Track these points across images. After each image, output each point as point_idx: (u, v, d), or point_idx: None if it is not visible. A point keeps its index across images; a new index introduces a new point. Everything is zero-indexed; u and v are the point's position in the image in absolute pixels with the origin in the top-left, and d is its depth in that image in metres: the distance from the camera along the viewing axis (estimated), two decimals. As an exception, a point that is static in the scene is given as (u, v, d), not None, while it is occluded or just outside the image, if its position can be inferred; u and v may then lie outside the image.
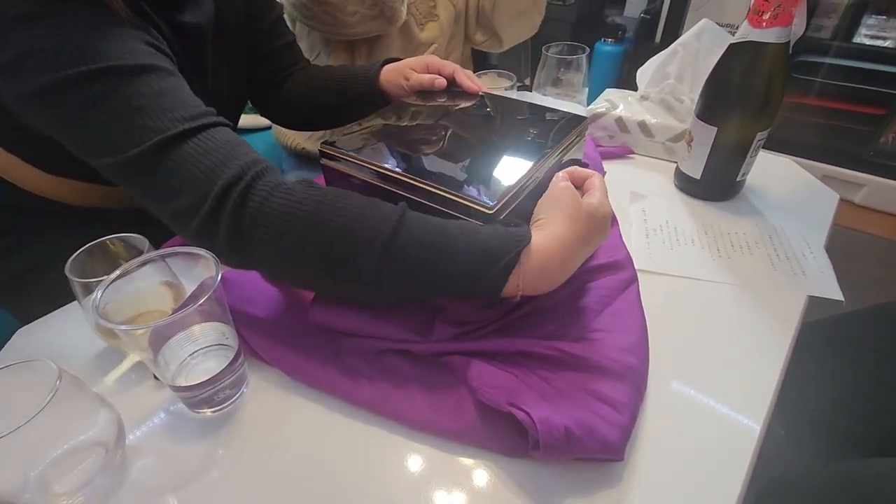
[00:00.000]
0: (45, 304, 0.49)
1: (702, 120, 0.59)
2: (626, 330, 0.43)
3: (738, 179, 0.62)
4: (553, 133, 0.48)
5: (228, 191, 0.36)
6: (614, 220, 0.57)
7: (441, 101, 0.57)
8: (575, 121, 0.50)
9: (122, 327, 0.34)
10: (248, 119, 1.60)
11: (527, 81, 2.01)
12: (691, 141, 0.62)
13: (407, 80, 0.61)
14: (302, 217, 0.35)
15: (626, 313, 0.45)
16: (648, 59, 0.78)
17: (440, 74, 0.61)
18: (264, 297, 0.47)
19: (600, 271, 0.49)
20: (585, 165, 0.58)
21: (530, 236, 0.37)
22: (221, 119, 0.41)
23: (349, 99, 0.67)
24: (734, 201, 0.64)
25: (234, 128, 0.70)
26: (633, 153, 0.75)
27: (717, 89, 0.58)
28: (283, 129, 1.00)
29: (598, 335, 0.42)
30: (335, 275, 0.36)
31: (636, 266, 0.51)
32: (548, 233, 0.38)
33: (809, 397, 0.67)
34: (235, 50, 0.63)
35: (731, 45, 0.56)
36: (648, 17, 1.76)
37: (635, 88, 0.77)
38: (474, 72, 0.66)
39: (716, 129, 0.58)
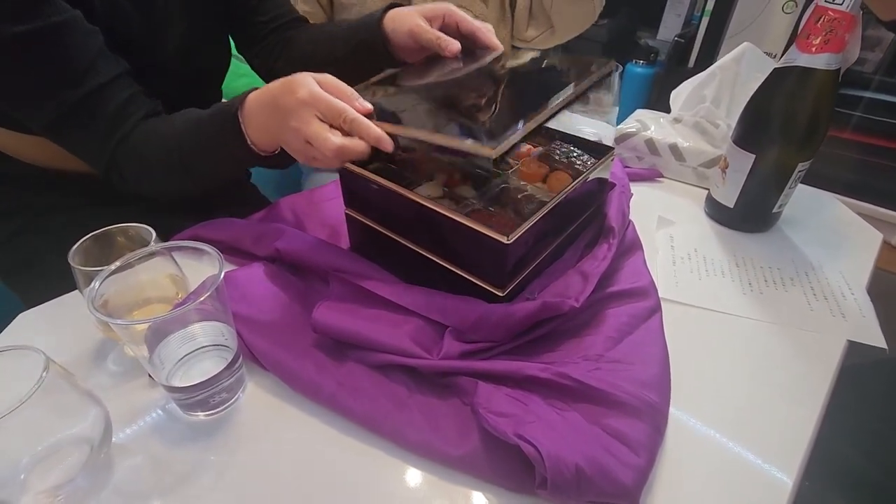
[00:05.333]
0: (55, 289, 0.48)
1: (739, 146, 0.56)
2: (647, 362, 0.40)
3: (774, 211, 0.59)
4: (573, 80, 0.44)
5: (110, 164, 0.52)
6: (638, 245, 0.54)
7: (452, 61, 0.53)
8: (599, 65, 0.46)
9: (118, 321, 0.33)
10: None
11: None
12: (726, 167, 0.59)
13: (414, 32, 0.55)
14: (157, 164, 0.52)
15: (647, 344, 0.42)
16: (680, 82, 0.75)
17: (458, 29, 0.55)
18: (266, 299, 0.46)
19: (621, 297, 0.46)
20: (612, 186, 0.55)
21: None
22: (100, 80, 0.49)
23: (352, 47, 0.61)
24: (769, 234, 0.61)
25: (222, 66, 0.70)
26: (663, 176, 0.72)
27: (759, 115, 0.55)
28: None
29: (616, 366, 0.39)
30: (179, 183, 0.54)
31: (661, 294, 0.48)
32: None
33: (839, 448, 0.63)
34: None
35: (776, 69, 0.53)
36: (682, 41, 1.73)
37: (665, 111, 0.75)
38: None
39: (754, 156, 0.55)
